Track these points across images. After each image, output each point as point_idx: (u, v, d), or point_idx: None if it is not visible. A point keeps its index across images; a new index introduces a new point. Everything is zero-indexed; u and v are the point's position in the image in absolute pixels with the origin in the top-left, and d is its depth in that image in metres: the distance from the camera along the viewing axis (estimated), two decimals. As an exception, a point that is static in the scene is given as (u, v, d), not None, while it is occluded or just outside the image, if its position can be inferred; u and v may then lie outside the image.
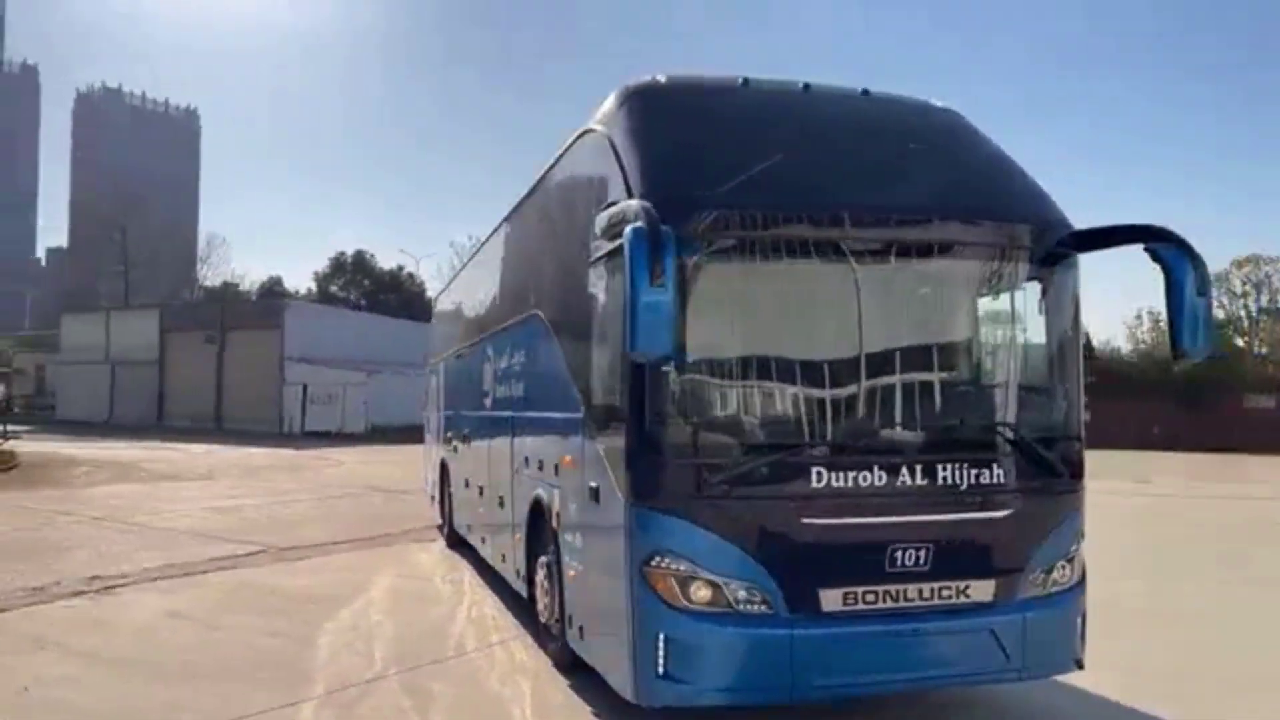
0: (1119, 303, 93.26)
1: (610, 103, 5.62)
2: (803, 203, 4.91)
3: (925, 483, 4.92)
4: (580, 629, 5.78)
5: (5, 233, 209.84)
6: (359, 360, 44.15)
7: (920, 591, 4.93)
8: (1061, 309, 5.42)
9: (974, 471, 5.01)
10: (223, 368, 47.91)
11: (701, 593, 4.72)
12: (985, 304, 5.41)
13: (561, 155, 6.68)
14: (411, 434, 18.93)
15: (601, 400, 5.28)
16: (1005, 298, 5.36)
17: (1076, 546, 5.36)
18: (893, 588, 4.88)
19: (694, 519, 4.71)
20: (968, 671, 5.14)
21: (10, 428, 33.75)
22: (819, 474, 4.76)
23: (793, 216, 4.85)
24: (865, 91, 5.99)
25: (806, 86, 5.85)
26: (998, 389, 5.47)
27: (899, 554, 4.87)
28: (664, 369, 4.68)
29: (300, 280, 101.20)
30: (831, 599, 4.81)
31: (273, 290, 69.74)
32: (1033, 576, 5.14)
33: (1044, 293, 5.36)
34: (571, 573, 5.89)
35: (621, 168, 5.08)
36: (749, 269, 4.91)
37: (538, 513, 6.71)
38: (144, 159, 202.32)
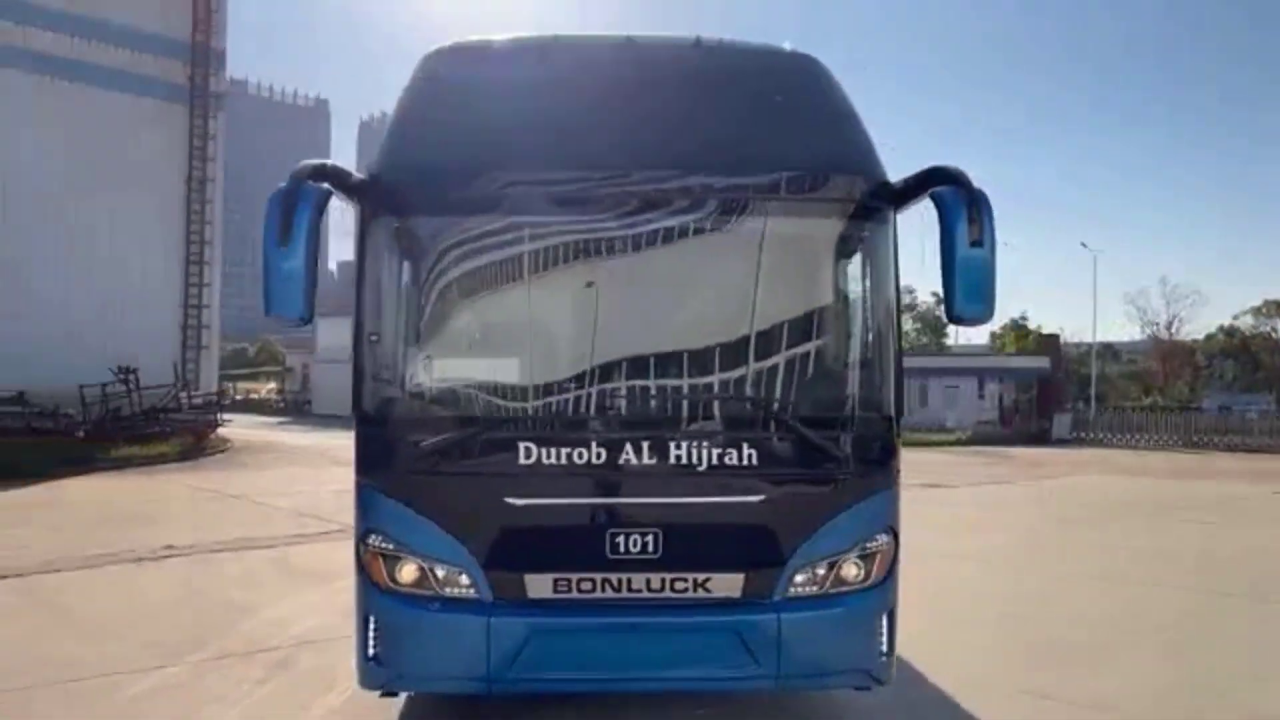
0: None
1: None
2: (533, 165, 4.56)
3: (654, 462, 4.42)
4: None
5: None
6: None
7: (649, 582, 4.44)
8: (853, 270, 4.73)
9: (717, 451, 4.45)
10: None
11: (406, 574, 4.50)
12: (754, 264, 4.73)
13: None
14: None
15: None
16: (779, 257, 4.67)
17: (877, 542, 4.65)
18: (614, 576, 4.43)
19: (400, 497, 4.48)
20: (706, 675, 4.54)
21: (267, 418, 37.78)
22: (527, 450, 4.40)
23: (520, 180, 4.52)
24: (697, 41, 5.50)
25: (629, 39, 5.46)
26: (762, 359, 4.70)
27: (621, 540, 4.42)
28: (374, 340, 4.52)
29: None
30: (539, 585, 4.44)
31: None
32: (801, 573, 4.51)
33: (833, 252, 4.71)
34: None
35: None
36: (471, 237, 4.60)
37: None
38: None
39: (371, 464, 4.57)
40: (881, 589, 4.65)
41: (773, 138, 4.80)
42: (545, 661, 4.41)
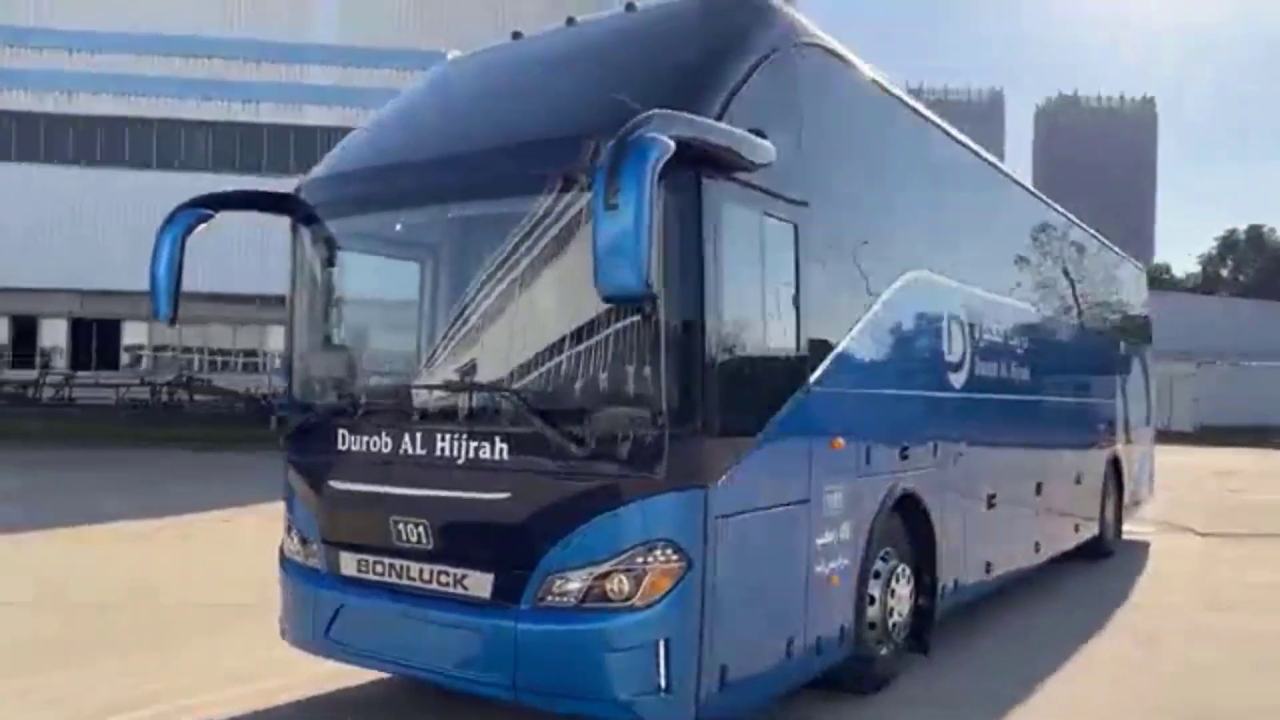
0: None
1: None
2: (347, 170, 5.03)
3: (423, 453, 4.46)
4: None
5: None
6: (1199, 351, 39.45)
7: (421, 572, 4.47)
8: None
9: (474, 444, 4.32)
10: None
11: (289, 542, 5.15)
12: (517, 252, 4.32)
13: None
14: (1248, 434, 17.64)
15: None
16: (540, 243, 4.22)
17: (651, 556, 4.01)
18: (397, 562, 4.55)
19: (288, 476, 5.18)
20: (459, 674, 4.35)
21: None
22: (342, 436, 4.76)
23: (344, 176, 4.95)
24: (629, 6, 5.20)
25: (570, 21, 5.41)
26: (520, 349, 4.36)
27: (400, 527, 4.53)
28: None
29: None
30: (349, 563, 4.74)
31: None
32: (552, 582, 4.11)
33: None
34: None
35: None
36: (324, 236, 5.07)
37: None
38: (1102, 156, 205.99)
39: (285, 446, 5.32)
40: (657, 612, 4.01)
41: (579, 111, 4.46)
42: (350, 636, 4.73)
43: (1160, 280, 64.11)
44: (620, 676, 4.03)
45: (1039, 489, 8.34)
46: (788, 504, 4.70)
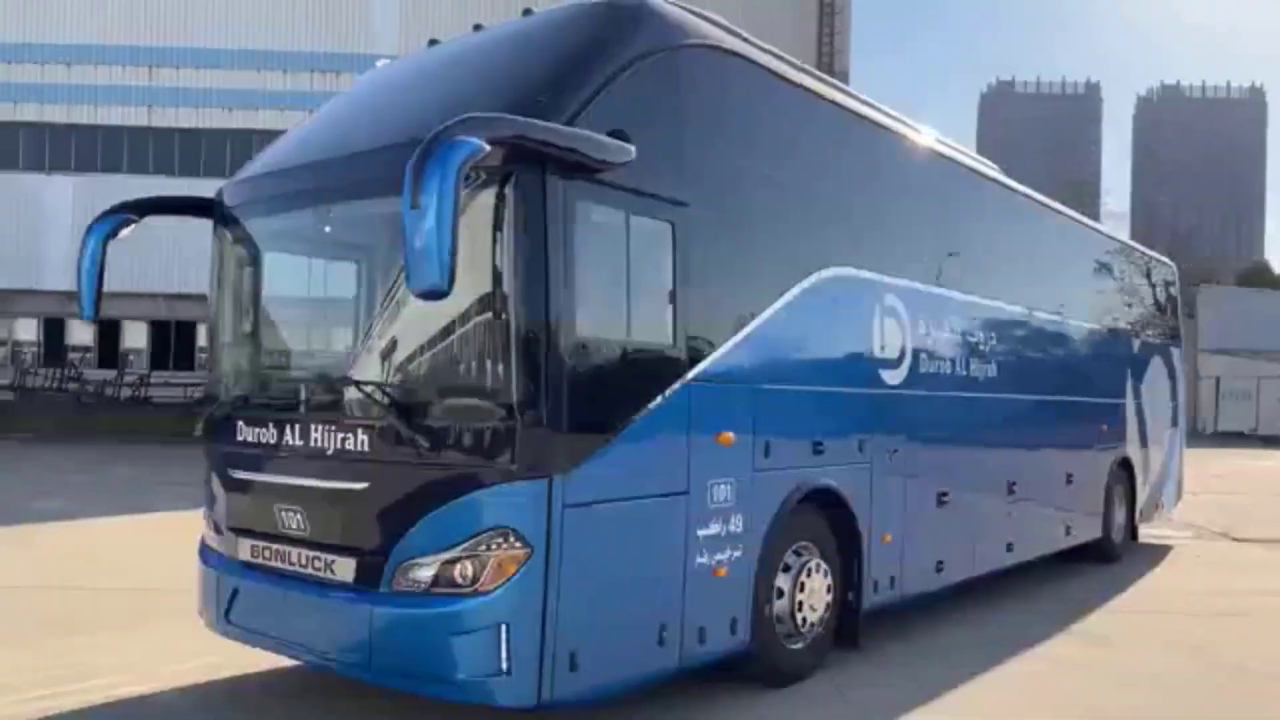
0: None
1: None
2: (265, 165, 5.33)
3: (300, 444, 4.73)
4: None
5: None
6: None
7: (300, 557, 4.72)
8: (471, 247, 4.27)
9: (340, 436, 4.57)
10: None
11: (206, 529, 5.46)
12: (380, 245, 4.56)
13: None
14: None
15: None
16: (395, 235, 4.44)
17: (493, 544, 4.18)
18: (282, 547, 4.80)
19: (205, 460, 5.49)
20: (326, 655, 4.59)
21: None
22: (240, 428, 5.05)
23: (247, 181, 5.24)
24: (526, 11, 5.39)
25: (477, 27, 5.62)
26: (380, 344, 4.61)
27: (284, 514, 4.79)
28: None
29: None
30: (245, 549, 5.01)
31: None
32: (406, 567, 4.31)
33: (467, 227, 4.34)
34: None
35: None
36: (232, 236, 5.38)
37: None
38: (1206, 149, 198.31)
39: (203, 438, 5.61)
40: (498, 597, 4.18)
41: (433, 116, 4.63)
42: (245, 618, 5.02)
43: (1261, 279, 61.38)
44: (464, 659, 4.20)
45: (1011, 489, 8.23)
46: (659, 495, 4.80)
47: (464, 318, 4.31)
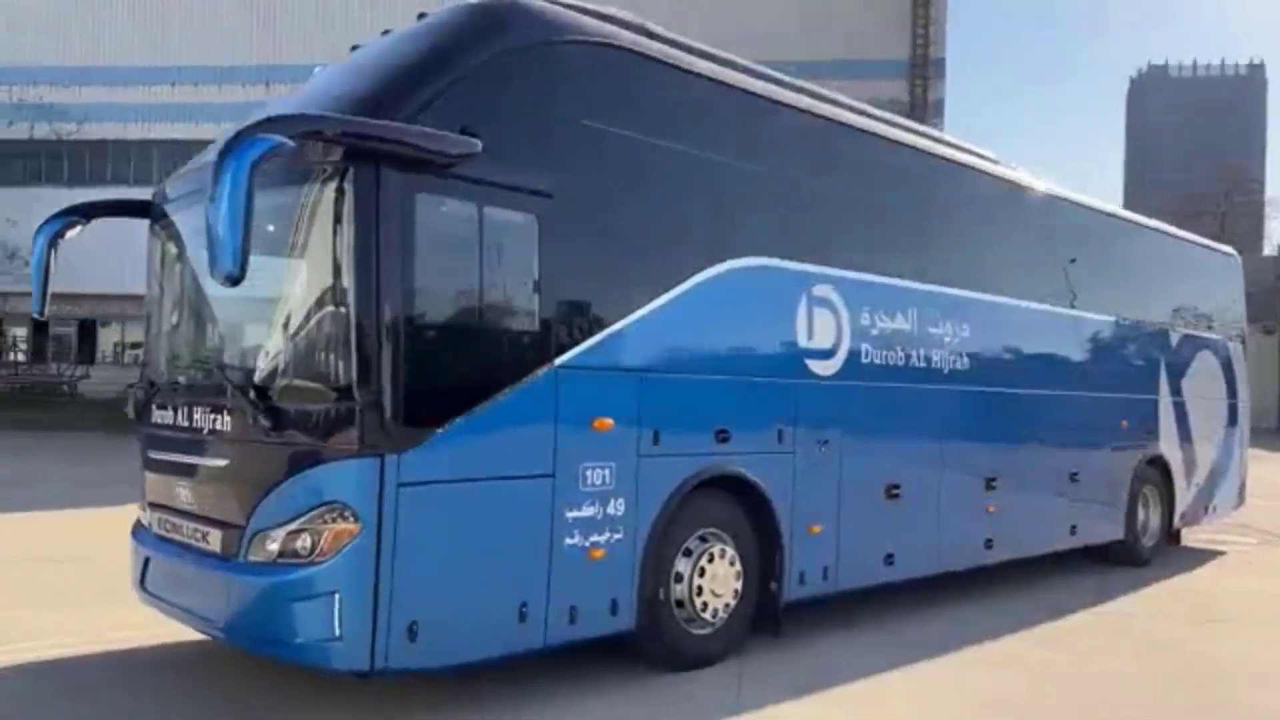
0: None
1: None
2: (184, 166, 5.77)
3: (186, 425, 5.14)
4: None
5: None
6: None
7: (188, 529, 5.12)
8: (310, 240, 4.58)
9: (212, 418, 4.95)
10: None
11: (140, 507, 5.93)
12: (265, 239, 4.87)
13: None
14: None
15: None
16: (277, 230, 4.77)
17: (326, 518, 4.46)
18: (178, 520, 5.21)
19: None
20: (201, 620, 4.93)
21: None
22: (155, 411, 5.50)
23: (168, 182, 5.70)
24: (420, 15, 5.64)
25: (385, 33, 5.92)
26: (251, 334, 5.04)
27: (178, 489, 5.21)
28: None
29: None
30: (156, 521, 5.45)
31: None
32: (259, 539, 4.63)
33: (289, 220, 4.67)
34: None
35: None
36: (157, 235, 5.85)
37: None
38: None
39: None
40: (330, 567, 4.46)
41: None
42: (155, 586, 5.46)
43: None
44: (302, 624, 4.49)
45: (990, 485, 8.02)
46: (518, 477, 4.98)
47: (309, 306, 4.63)
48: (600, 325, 5.37)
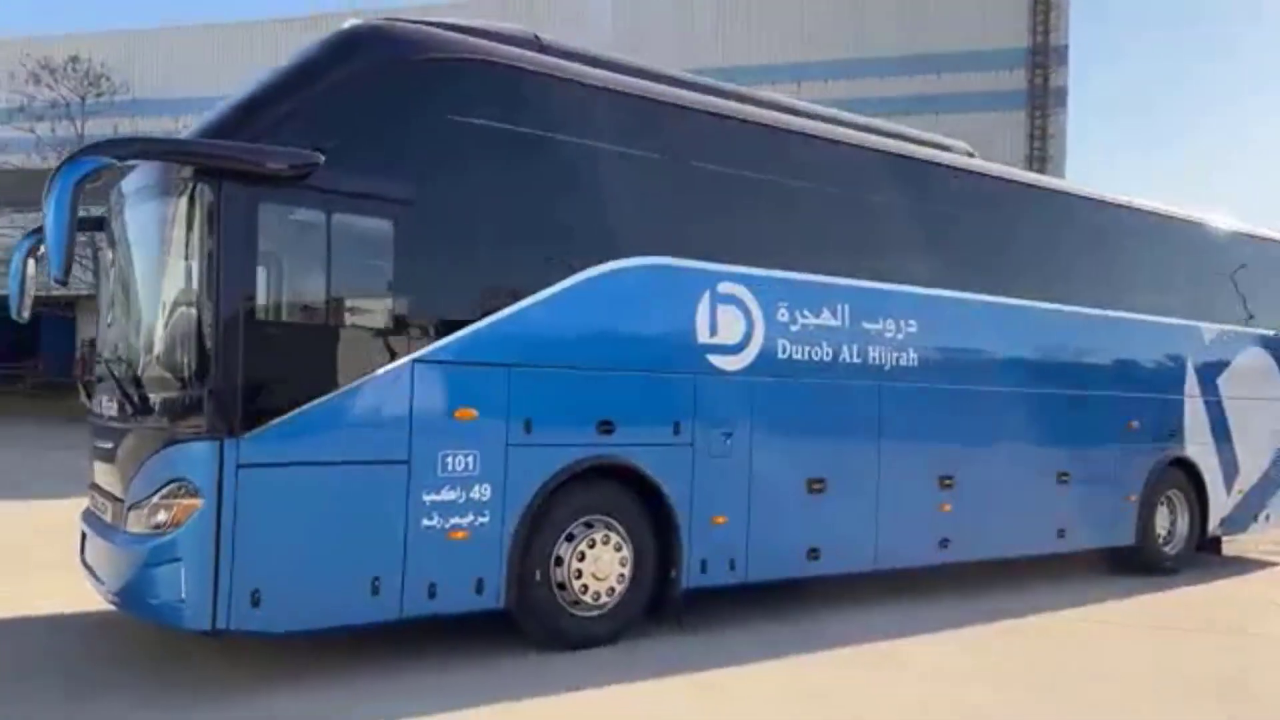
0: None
1: None
2: None
3: (100, 412, 5.84)
4: None
5: None
6: None
7: (100, 504, 5.81)
8: (169, 247, 5.16)
9: (111, 404, 5.62)
10: None
11: None
12: (134, 246, 5.54)
13: None
14: None
15: None
16: (136, 238, 5.50)
17: (174, 495, 5.02)
18: (99, 498, 5.90)
19: None
20: (108, 585, 5.48)
21: None
22: (93, 400, 6.23)
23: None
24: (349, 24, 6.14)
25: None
26: (132, 329, 5.61)
27: (98, 470, 5.92)
28: None
29: None
30: (90, 499, 6.17)
31: None
32: (132, 511, 5.24)
33: (156, 230, 5.28)
34: None
35: None
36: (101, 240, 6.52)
37: None
38: None
39: None
40: (176, 537, 5.01)
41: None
42: (87, 558, 6.13)
43: None
44: (158, 588, 5.05)
45: (945, 483, 7.90)
46: (370, 462, 5.40)
47: (171, 305, 5.22)
48: (463, 322, 5.72)
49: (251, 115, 5.23)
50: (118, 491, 5.50)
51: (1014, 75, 29.79)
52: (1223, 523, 10.37)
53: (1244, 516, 10.61)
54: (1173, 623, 7.69)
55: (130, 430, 5.42)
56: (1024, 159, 29.31)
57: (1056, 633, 7.22)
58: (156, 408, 5.21)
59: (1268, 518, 10.91)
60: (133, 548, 5.21)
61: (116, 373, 5.51)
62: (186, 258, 5.08)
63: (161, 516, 5.08)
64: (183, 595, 4.96)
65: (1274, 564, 10.71)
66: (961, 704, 5.48)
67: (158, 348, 5.28)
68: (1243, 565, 10.55)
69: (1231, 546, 11.23)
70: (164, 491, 5.07)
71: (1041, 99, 29.40)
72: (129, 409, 5.32)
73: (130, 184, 5.61)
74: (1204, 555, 10.33)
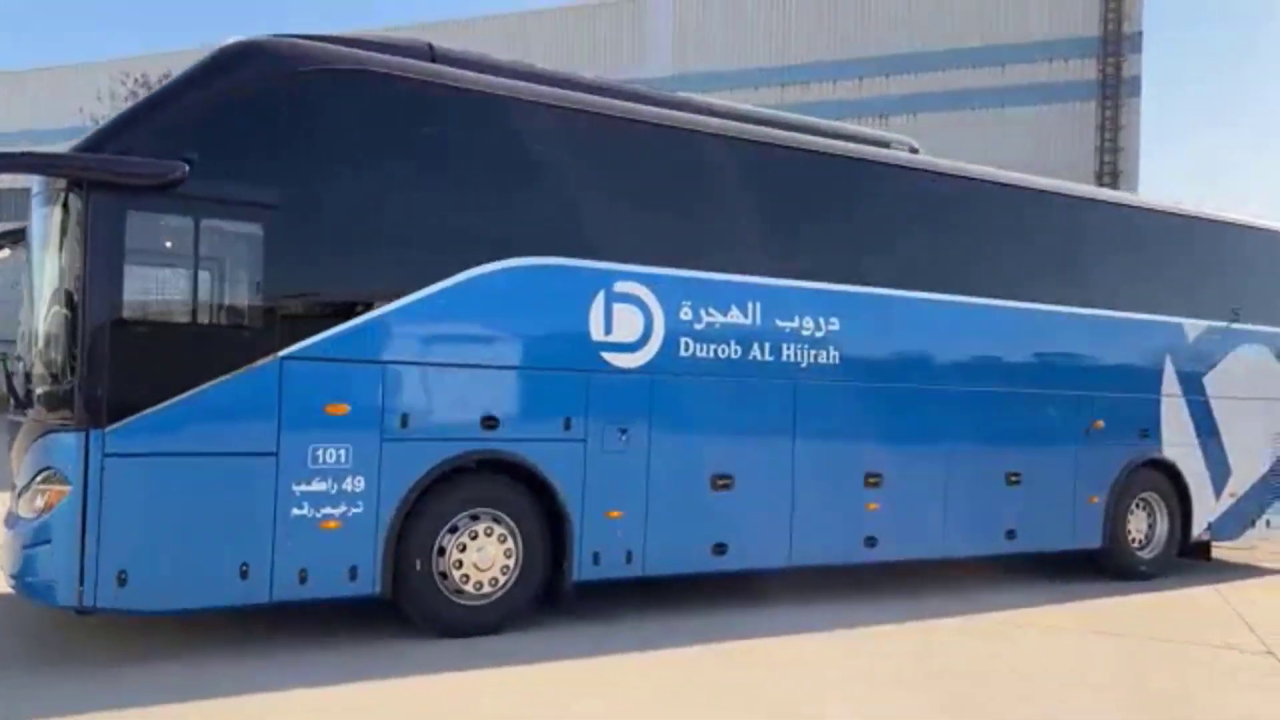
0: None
1: None
2: None
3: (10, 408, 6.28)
4: None
5: None
6: None
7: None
8: (57, 251, 5.57)
9: (11, 399, 6.07)
10: None
11: None
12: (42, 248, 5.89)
13: None
14: None
15: None
16: (38, 243, 5.86)
17: (47, 482, 5.44)
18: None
19: None
20: (7, 568, 5.92)
21: None
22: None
23: None
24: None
25: None
26: (28, 330, 6.01)
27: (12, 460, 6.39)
28: None
29: None
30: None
31: None
32: (21, 496, 5.68)
33: (44, 237, 5.71)
34: None
35: None
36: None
37: None
38: None
39: None
40: (47, 521, 5.43)
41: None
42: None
43: None
44: (35, 567, 5.49)
45: (871, 481, 7.84)
46: (237, 454, 5.72)
47: (50, 306, 5.67)
48: (334, 321, 5.99)
49: (125, 129, 5.61)
50: (16, 479, 5.95)
51: (1085, 65, 28.72)
52: (1212, 528, 9.95)
53: (1239, 522, 10.16)
54: (1105, 628, 7.46)
55: (23, 422, 5.87)
56: (1094, 150, 28.34)
57: (968, 633, 7.10)
58: (37, 401, 5.65)
59: (1268, 523, 10.40)
60: (19, 529, 5.64)
61: (10, 369, 5.98)
62: (62, 262, 5.51)
63: (39, 502, 5.50)
64: (54, 575, 5.37)
65: (1273, 572, 10.21)
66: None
67: (39, 346, 5.73)
68: (1233, 571, 10.10)
69: (1237, 554, 10.77)
70: (40, 478, 5.50)
71: (1114, 89, 28.26)
72: (21, 403, 5.79)
73: (34, 194, 6.07)
74: (1188, 561, 9.95)
